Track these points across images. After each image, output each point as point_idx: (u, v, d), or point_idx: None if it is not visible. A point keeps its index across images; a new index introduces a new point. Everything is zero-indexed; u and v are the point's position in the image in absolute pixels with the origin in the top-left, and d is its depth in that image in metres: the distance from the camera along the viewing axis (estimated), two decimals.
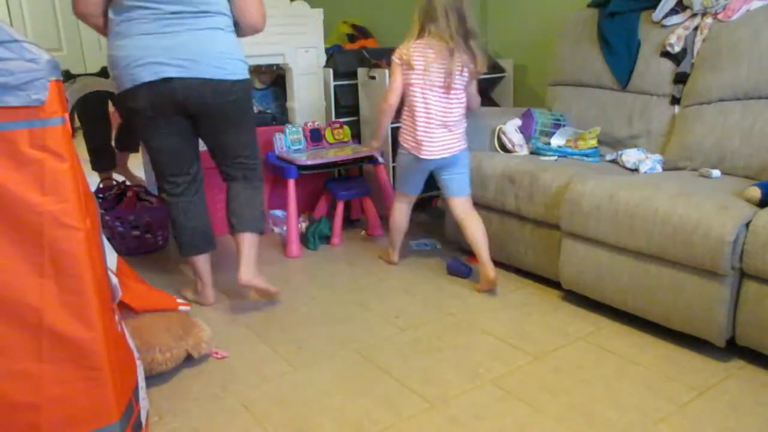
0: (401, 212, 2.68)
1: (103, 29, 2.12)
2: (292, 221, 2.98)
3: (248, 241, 2.33)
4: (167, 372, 1.93)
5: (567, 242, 2.30)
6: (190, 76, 2.08)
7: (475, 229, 2.51)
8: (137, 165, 3.33)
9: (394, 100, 2.49)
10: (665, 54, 2.66)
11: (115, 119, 3.72)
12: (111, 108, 3.69)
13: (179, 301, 2.04)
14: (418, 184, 2.61)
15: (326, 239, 3.11)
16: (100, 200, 3.12)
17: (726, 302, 1.89)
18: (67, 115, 1.34)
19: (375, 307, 2.41)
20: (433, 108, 2.41)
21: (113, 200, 3.12)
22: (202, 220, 2.37)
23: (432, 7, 2.35)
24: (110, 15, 2.06)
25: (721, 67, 2.45)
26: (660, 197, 2.01)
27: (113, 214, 2.98)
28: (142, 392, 1.62)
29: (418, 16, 2.42)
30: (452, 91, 2.41)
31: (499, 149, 2.81)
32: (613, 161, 2.64)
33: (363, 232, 3.27)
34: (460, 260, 2.71)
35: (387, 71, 3.31)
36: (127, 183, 3.31)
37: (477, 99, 2.62)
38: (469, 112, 2.56)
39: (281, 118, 3.40)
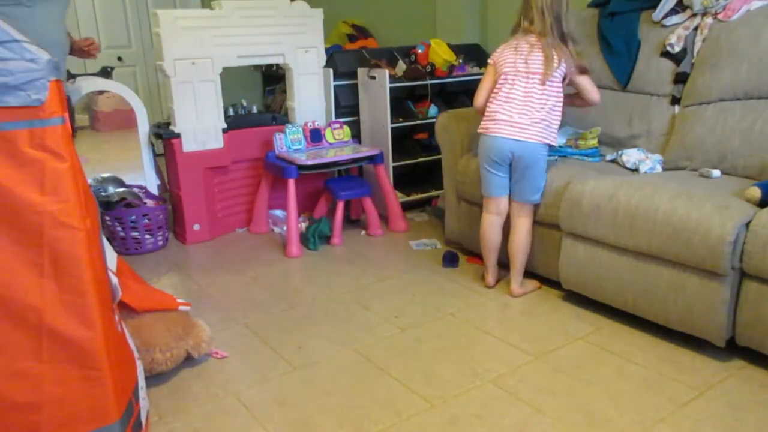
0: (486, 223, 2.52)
1: None
2: (292, 221, 2.98)
3: None
4: (167, 372, 1.93)
5: (567, 242, 2.30)
6: None
7: (510, 238, 2.46)
8: (137, 165, 3.33)
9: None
10: (665, 54, 2.66)
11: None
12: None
13: (179, 301, 2.04)
14: (494, 183, 2.44)
15: (326, 239, 3.11)
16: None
17: (726, 302, 1.89)
18: (67, 115, 1.34)
19: (375, 307, 2.41)
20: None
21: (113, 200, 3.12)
22: None
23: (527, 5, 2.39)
24: None
25: (721, 67, 2.45)
26: (660, 197, 2.01)
27: (113, 214, 2.98)
28: (142, 392, 1.62)
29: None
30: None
31: None
32: (613, 161, 2.64)
33: (363, 232, 3.27)
34: (451, 254, 2.79)
35: (387, 71, 3.32)
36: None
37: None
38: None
39: (281, 118, 3.40)
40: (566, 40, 2.37)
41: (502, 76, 2.39)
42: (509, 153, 2.34)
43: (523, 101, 2.33)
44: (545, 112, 2.32)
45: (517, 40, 2.41)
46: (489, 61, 2.49)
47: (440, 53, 3.50)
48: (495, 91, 2.42)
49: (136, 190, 3.16)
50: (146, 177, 3.30)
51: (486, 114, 2.42)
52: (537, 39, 2.36)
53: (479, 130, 2.44)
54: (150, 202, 3.13)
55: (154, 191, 3.29)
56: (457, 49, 3.63)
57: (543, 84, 2.32)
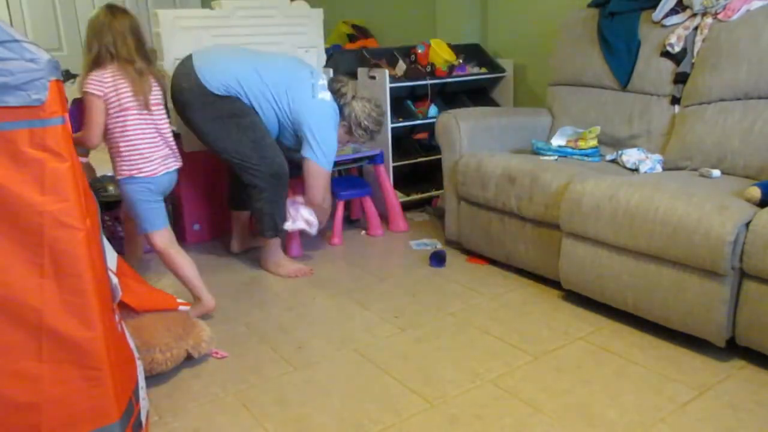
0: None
1: None
2: None
3: None
4: (167, 372, 1.93)
5: (567, 242, 2.30)
6: None
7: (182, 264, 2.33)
8: None
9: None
10: (665, 54, 2.66)
11: None
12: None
13: (179, 301, 2.04)
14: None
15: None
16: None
17: (726, 302, 1.89)
18: (67, 115, 1.34)
19: (375, 307, 2.41)
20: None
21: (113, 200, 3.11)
22: None
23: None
24: None
25: (721, 67, 2.45)
26: (660, 197, 2.01)
27: (113, 214, 2.98)
28: (142, 392, 1.62)
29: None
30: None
31: None
32: (613, 161, 2.65)
33: (363, 232, 3.27)
34: (439, 255, 2.78)
35: (387, 71, 3.31)
36: None
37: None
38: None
39: None
40: (152, 61, 2.26)
41: (125, 110, 2.14)
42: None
43: (159, 133, 2.24)
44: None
45: (110, 69, 2.13)
46: (93, 91, 2.09)
47: (440, 53, 3.50)
48: (124, 127, 2.16)
49: None
50: None
51: (132, 154, 2.18)
52: (121, 67, 2.13)
53: (134, 173, 2.19)
54: None
55: None
56: (457, 49, 3.63)
57: (149, 109, 2.20)
